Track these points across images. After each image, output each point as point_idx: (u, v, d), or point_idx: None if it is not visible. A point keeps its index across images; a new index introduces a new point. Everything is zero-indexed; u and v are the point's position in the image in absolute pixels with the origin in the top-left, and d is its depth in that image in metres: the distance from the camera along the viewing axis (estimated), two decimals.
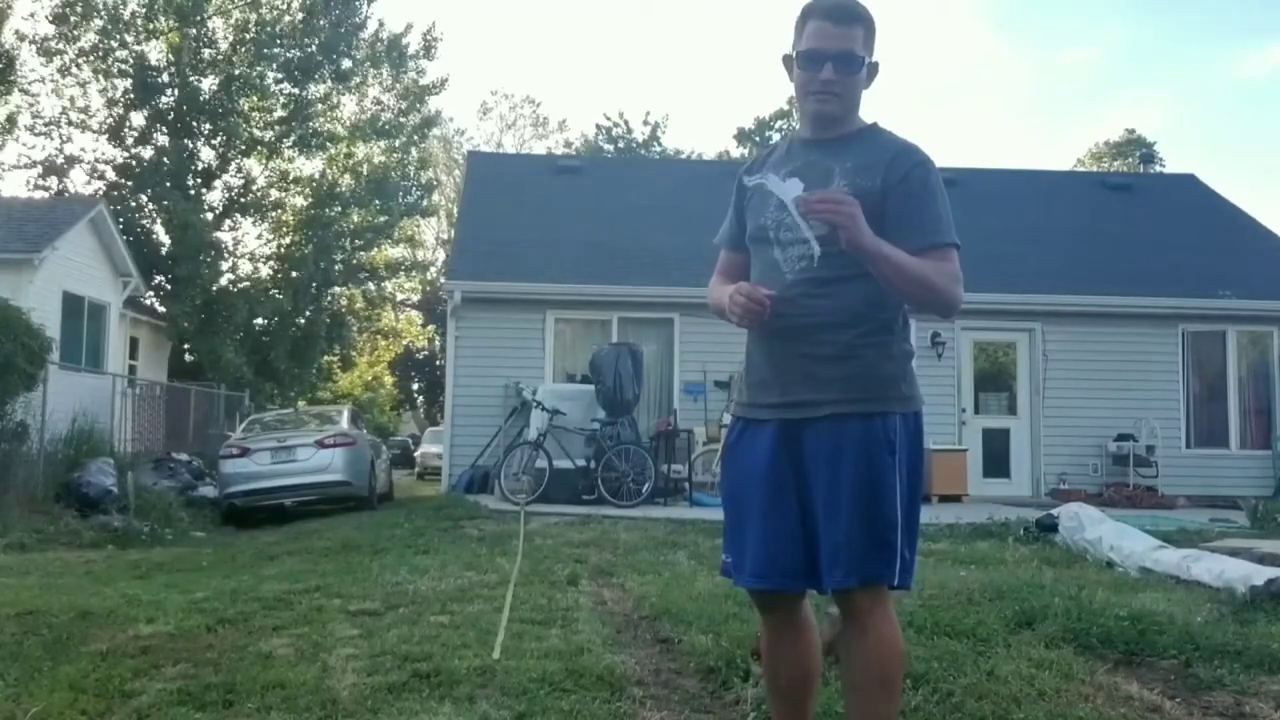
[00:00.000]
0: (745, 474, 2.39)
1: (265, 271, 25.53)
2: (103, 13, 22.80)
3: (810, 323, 2.31)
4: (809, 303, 2.30)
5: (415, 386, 43.34)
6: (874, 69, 2.39)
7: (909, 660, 3.69)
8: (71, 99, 23.47)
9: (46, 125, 23.54)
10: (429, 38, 26.45)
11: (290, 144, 24.69)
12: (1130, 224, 16.35)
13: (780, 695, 2.52)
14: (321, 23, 24.06)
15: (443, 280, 20.16)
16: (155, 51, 23.55)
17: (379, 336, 33.56)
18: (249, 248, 26.08)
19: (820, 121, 2.41)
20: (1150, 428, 13.45)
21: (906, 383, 2.32)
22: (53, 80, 23.26)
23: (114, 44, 22.98)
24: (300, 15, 24.07)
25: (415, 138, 27.20)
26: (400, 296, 35.21)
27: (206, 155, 24.37)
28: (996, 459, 13.75)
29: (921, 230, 2.26)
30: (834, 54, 2.32)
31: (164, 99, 23.22)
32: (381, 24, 26.41)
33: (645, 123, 40.26)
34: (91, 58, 23.10)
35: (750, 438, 2.40)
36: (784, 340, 2.35)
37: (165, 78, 23.20)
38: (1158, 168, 35.58)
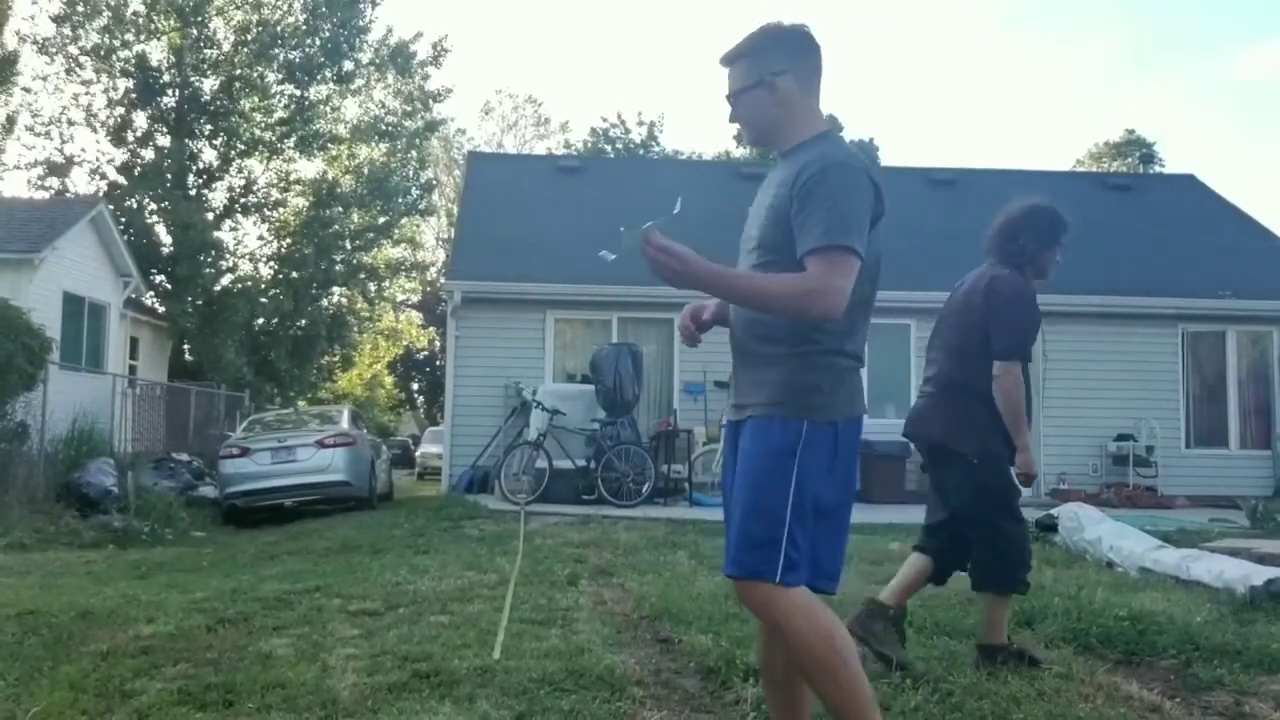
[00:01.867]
0: (726, 470, 2.58)
1: (266, 272, 25.53)
2: (105, 13, 22.80)
3: (750, 334, 2.48)
4: (748, 315, 2.47)
5: (415, 387, 43.35)
6: (773, 84, 2.47)
7: (909, 660, 3.71)
8: (75, 97, 23.52)
9: (47, 125, 23.56)
10: (439, 47, 26.33)
11: (291, 145, 24.68)
12: (1130, 224, 16.34)
13: (774, 689, 2.59)
14: (324, 26, 24.04)
15: (443, 280, 20.15)
16: (157, 52, 23.56)
17: (379, 337, 33.56)
18: (249, 248, 26.10)
19: (760, 146, 2.65)
20: (1150, 428, 13.44)
21: (825, 392, 2.37)
22: (55, 78, 23.30)
23: (115, 44, 22.98)
24: (303, 16, 24.07)
25: (417, 140, 27.18)
26: (400, 297, 35.20)
27: (208, 155, 24.41)
28: None
29: (803, 238, 2.32)
30: (726, 99, 2.56)
31: (165, 99, 23.22)
32: (390, 30, 26.38)
33: (640, 123, 40.25)
34: (93, 57, 23.10)
35: (728, 436, 2.61)
36: (736, 350, 2.55)
37: (167, 78, 23.20)
38: (1157, 168, 35.58)
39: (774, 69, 2.47)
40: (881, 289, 2.52)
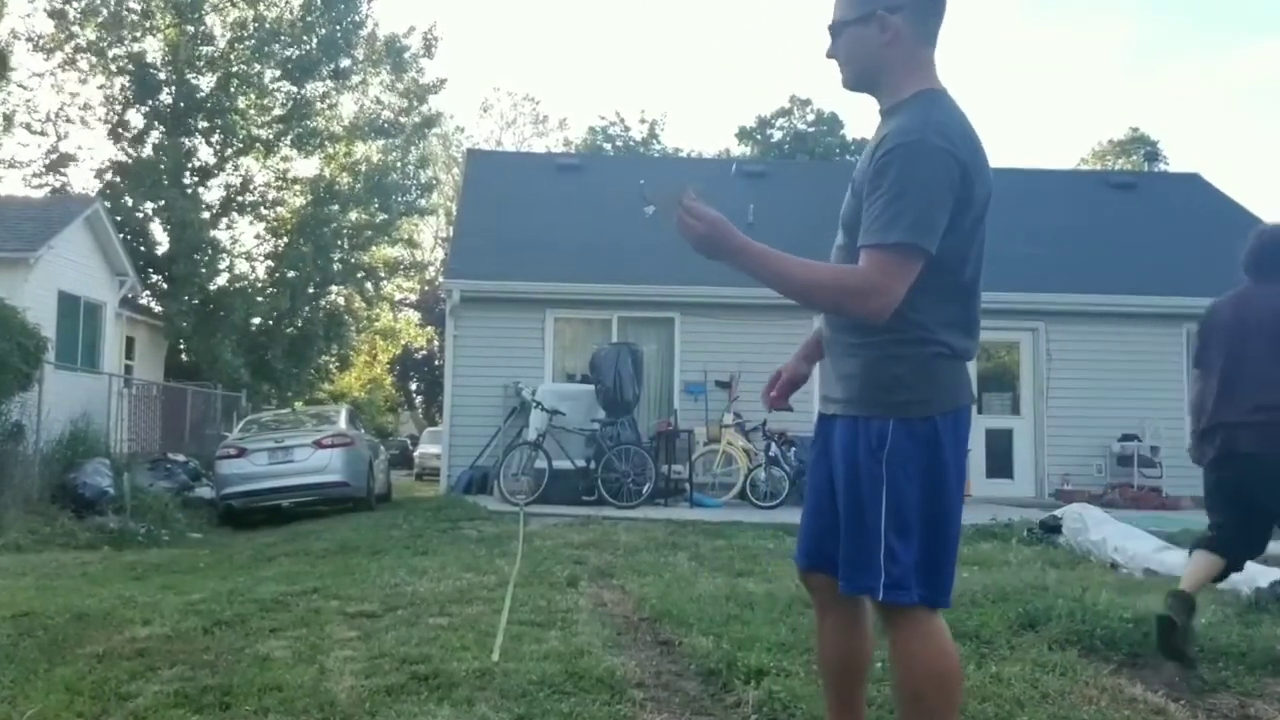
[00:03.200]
0: (809, 461, 2.49)
1: (262, 271, 25.52)
2: (102, 11, 22.77)
3: (832, 323, 2.32)
4: None
5: (413, 387, 43.32)
6: (885, 20, 2.18)
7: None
8: (72, 95, 23.51)
9: (43, 122, 23.54)
10: (429, 37, 26.48)
11: (288, 142, 24.65)
12: (1134, 223, 16.33)
13: (822, 675, 2.52)
14: (320, 23, 24.01)
15: (441, 279, 20.12)
16: (153, 49, 23.56)
17: (377, 338, 33.53)
18: (246, 247, 26.11)
19: (858, 92, 2.33)
20: (1154, 428, 13.42)
21: (911, 386, 2.14)
22: (51, 75, 23.28)
23: (111, 40, 22.95)
24: (299, 13, 24.05)
25: (414, 137, 27.17)
26: (398, 296, 35.17)
27: (204, 154, 24.39)
28: (1000, 459, 13.72)
29: (863, 228, 2.11)
30: (829, 29, 2.30)
31: (162, 96, 23.19)
32: (377, 24, 26.47)
33: (642, 121, 40.29)
34: (90, 54, 23.08)
35: (816, 429, 2.43)
36: (825, 340, 2.38)
37: (163, 75, 23.17)
38: (1162, 166, 35.62)
39: (890, 2, 2.18)
40: None
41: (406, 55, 26.10)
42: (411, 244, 33.08)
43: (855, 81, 2.30)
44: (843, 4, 2.25)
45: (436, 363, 35.98)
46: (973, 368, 2.36)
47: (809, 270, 2.13)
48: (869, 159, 2.17)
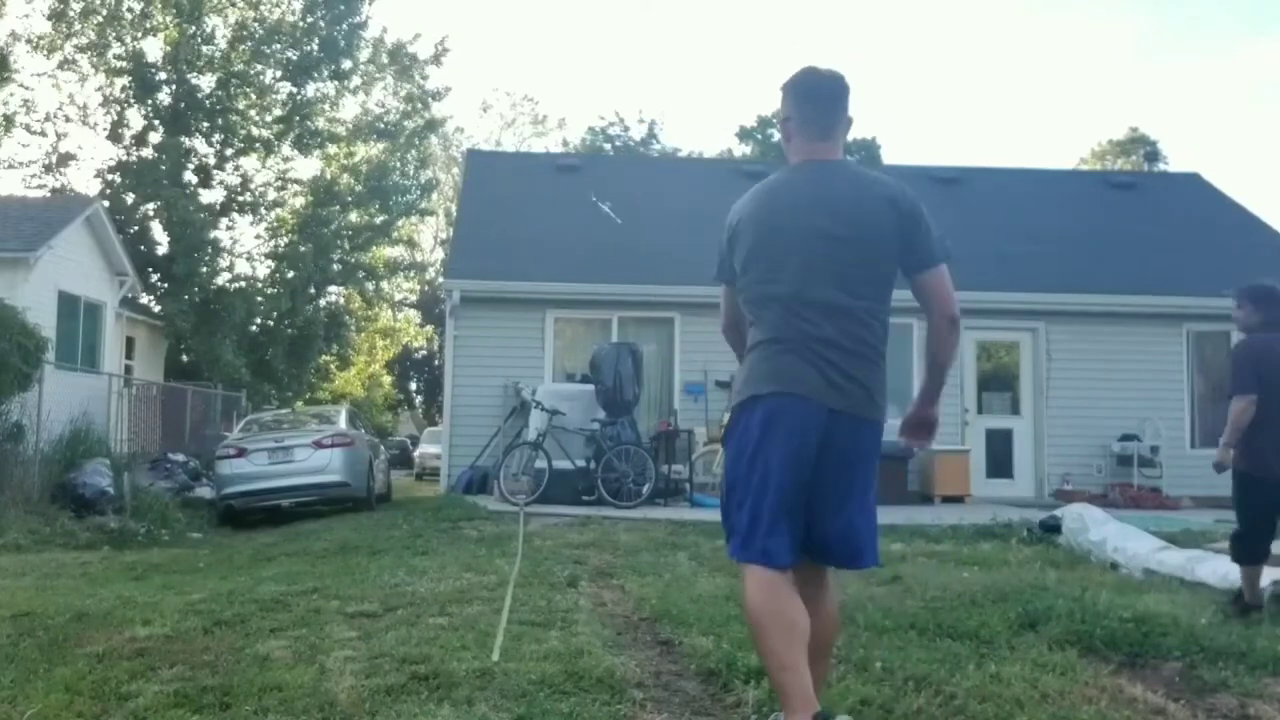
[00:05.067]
0: None
1: (263, 271, 25.51)
2: (101, 10, 22.75)
3: None
4: None
5: (413, 386, 43.32)
6: (780, 123, 2.99)
7: (911, 662, 3.69)
8: (70, 96, 23.49)
9: (43, 122, 23.52)
10: (440, 48, 26.51)
11: (289, 143, 24.63)
12: (1134, 223, 16.31)
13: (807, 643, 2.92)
14: (321, 23, 23.99)
15: (441, 280, 20.10)
16: (153, 49, 23.57)
17: (377, 337, 33.49)
18: (246, 247, 26.08)
19: None
20: (1155, 428, 13.40)
21: (737, 383, 2.90)
22: (50, 76, 23.25)
23: (111, 39, 22.93)
24: (300, 14, 24.02)
25: (416, 140, 27.15)
26: (398, 296, 35.13)
27: (204, 154, 24.34)
28: (1000, 459, 13.70)
29: None
30: None
31: (162, 96, 23.17)
32: (385, 30, 26.47)
33: (641, 121, 40.31)
34: (89, 54, 23.06)
35: None
36: None
37: (163, 75, 23.15)
38: (1161, 166, 35.60)
39: (784, 114, 2.93)
40: None
41: (415, 62, 26.03)
42: (411, 244, 33.05)
43: None
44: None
45: (436, 362, 35.98)
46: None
47: None
48: None
